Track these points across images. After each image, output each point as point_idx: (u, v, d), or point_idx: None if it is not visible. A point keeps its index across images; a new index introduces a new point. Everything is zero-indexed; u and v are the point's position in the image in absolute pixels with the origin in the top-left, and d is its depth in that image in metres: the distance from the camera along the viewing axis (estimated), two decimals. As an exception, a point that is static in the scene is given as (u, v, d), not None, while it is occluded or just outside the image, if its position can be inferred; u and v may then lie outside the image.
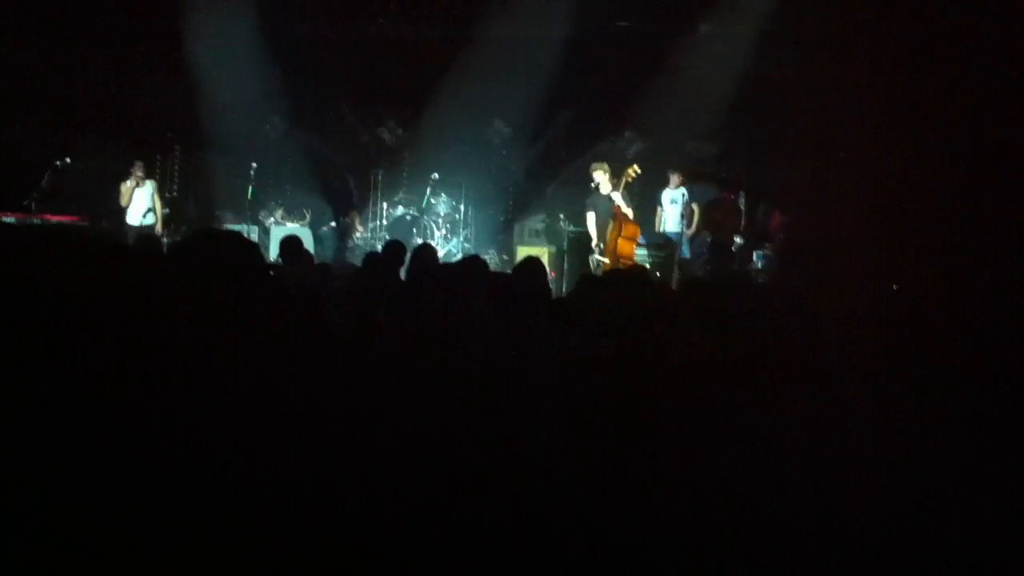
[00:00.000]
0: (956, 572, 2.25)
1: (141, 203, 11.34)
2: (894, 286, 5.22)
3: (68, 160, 10.72)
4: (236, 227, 11.62)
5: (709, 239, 11.20)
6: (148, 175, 11.50)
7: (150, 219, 11.32)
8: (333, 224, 12.20)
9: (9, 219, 9.67)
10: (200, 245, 2.67)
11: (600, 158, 11.39)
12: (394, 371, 2.85)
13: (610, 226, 10.38)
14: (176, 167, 13.27)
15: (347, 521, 2.29)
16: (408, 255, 6.77)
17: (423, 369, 2.85)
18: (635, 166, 10.60)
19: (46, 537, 2.15)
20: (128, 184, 11.23)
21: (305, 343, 2.84)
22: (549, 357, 2.93)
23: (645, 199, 11.07)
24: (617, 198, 10.36)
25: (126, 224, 11.23)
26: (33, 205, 10.61)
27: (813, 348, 2.84)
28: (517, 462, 2.46)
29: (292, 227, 12.10)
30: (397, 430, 2.51)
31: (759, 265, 10.64)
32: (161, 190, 12.98)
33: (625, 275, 4.84)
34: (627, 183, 10.39)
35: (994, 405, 2.48)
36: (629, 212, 10.44)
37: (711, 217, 11.46)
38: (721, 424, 2.45)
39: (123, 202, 11.27)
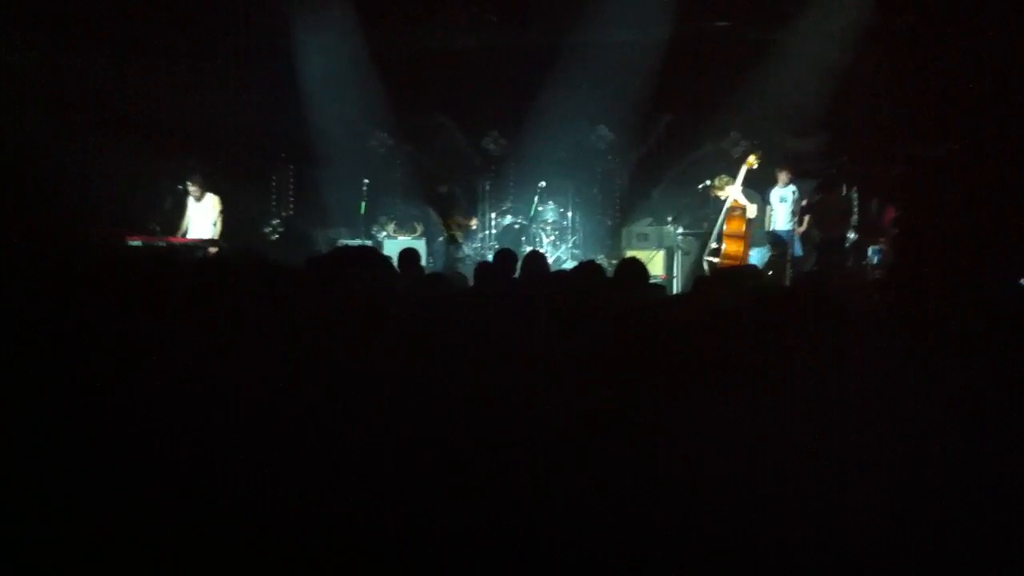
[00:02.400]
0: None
1: (205, 217, 11.03)
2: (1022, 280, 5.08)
3: (202, 185, 10.98)
4: (351, 242, 11.92)
5: (819, 237, 11.06)
6: (207, 188, 11.10)
7: (210, 232, 10.94)
8: (443, 237, 12.39)
9: (136, 242, 10.07)
10: (339, 261, 2.80)
11: (705, 160, 11.36)
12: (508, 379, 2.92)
13: (723, 227, 10.40)
14: (290, 185, 13.68)
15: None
16: (519, 263, 6.87)
17: (536, 376, 2.92)
18: (753, 156, 10.57)
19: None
20: (190, 201, 11.04)
21: (419, 351, 2.93)
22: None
23: (757, 198, 10.96)
24: (734, 192, 10.37)
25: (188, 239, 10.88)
26: (158, 228, 11.06)
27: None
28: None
29: (404, 240, 12.33)
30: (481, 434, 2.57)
31: (874, 261, 10.44)
32: (276, 209, 13.41)
33: (736, 274, 4.84)
34: (747, 174, 10.40)
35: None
36: (751, 207, 10.41)
37: (820, 214, 11.27)
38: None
39: (185, 221, 11.06)
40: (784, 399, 2.49)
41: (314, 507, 2.33)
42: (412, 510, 2.36)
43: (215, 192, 11.05)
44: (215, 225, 10.92)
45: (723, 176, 10.82)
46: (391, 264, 2.86)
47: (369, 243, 12.13)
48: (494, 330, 3.65)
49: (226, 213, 10.99)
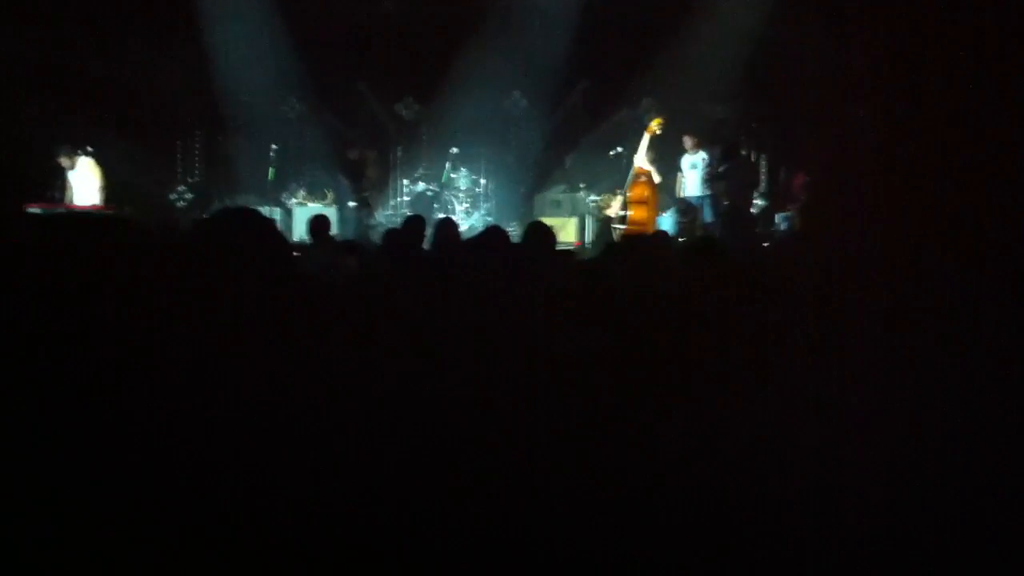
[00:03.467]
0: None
1: (84, 183, 10.66)
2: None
3: (90, 150, 10.69)
4: (261, 209, 11.69)
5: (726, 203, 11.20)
6: (76, 154, 10.65)
7: (99, 197, 10.62)
8: (355, 203, 12.23)
9: (35, 209, 9.72)
10: (222, 225, 2.69)
11: (617, 127, 11.39)
12: (418, 350, 2.87)
13: (628, 193, 10.47)
14: (197, 151, 13.35)
15: (352, 518, 2.31)
16: (431, 231, 6.78)
17: (448, 347, 2.88)
18: (657, 120, 10.60)
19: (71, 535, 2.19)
20: (65, 168, 10.61)
21: (327, 328, 2.86)
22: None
23: (665, 164, 11.04)
24: (638, 159, 10.43)
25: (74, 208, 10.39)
26: (57, 195, 10.69)
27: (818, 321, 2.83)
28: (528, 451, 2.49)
29: (315, 207, 12.14)
30: (421, 418, 2.54)
31: (782, 227, 10.61)
32: (184, 175, 13.07)
33: (645, 241, 4.85)
34: (652, 140, 10.44)
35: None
36: (654, 172, 10.47)
37: (727, 181, 11.41)
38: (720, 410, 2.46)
39: (68, 190, 10.66)
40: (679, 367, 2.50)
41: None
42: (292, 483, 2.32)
43: (92, 157, 10.69)
44: (100, 190, 10.61)
45: (605, 194, 10.88)
46: (274, 226, 2.76)
47: (278, 210, 11.94)
48: (401, 304, 3.60)
49: (110, 177, 10.64)
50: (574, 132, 13.20)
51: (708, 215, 11.08)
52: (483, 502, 2.38)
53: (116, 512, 2.20)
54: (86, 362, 2.38)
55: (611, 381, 2.69)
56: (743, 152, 11.91)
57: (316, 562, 2.26)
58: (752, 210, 11.41)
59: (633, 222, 10.32)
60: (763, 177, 12.00)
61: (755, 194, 11.61)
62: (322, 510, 2.29)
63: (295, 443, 2.37)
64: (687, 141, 11.04)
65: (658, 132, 10.58)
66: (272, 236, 2.70)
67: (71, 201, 10.58)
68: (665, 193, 11.03)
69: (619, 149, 11.10)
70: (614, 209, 10.67)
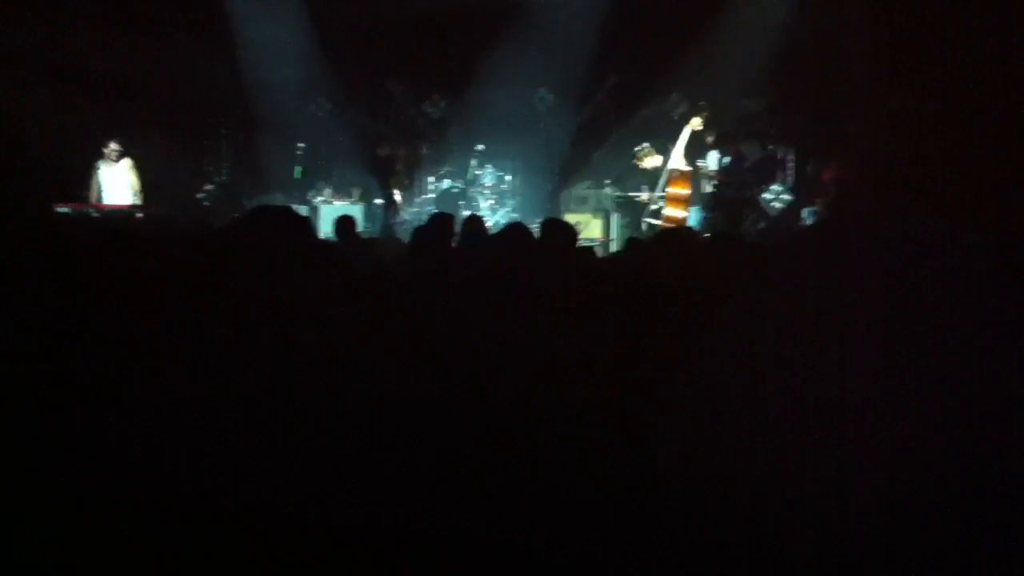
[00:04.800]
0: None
1: (121, 182, 10.76)
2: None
3: (119, 148, 10.78)
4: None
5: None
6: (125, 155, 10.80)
7: (132, 198, 10.69)
8: (381, 200, 12.28)
9: (64, 209, 9.79)
10: (256, 223, 2.72)
11: (645, 122, 11.34)
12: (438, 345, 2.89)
13: (666, 188, 10.42)
14: (224, 150, 13.45)
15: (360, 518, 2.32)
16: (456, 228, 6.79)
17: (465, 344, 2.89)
18: (698, 118, 10.50)
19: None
20: (102, 165, 10.71)
21: (361, 322, 2.88)
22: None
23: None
24: (675, 156, 10.38)
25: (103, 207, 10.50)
26: (84, 194, 10.77)
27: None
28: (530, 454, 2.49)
29: (341, 205, 12.19)
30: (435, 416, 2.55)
31: (808, 223, 10.51)
32: (210, 173, 13.16)
33: (673, 236, 4.85)
34: (692, 137, 10.37)
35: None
36: (688, 169, 10.40)
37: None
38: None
39: (95, 187, 10.70)
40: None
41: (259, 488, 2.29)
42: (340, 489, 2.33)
43: (131, 156, 10.78)
44: (135, 190, 10.67)
45: (645, 146, 10.78)
46: (311, 225, 2.80)
47: (305, 208, 11.99)
48: (428, 304, 3.61)
49: (145, 177, 10.73)
50: (601, 128, 13.16)
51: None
52: (492, 504, 2.39)
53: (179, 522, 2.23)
54: (124, 365, 2.41)
55: (620, 376, 2.69)
56: (767, 147, 11.81)
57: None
58: (776, 204, 11.33)
59: (669, 219, 10.25)
60: (788, 171, 11.89)
61: (779, 187, 11.52)
62: (352, 510, 2.31)
63: (334, 437, 2.39)
64: (716, 139, 10.99)
65: (700, 129, 10.48)
66: (308, 234, 2.73)
67: (99, 200, 10.66)
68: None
69: (645, 145, 11.04)
70: (650, 162, 10.57)
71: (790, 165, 11.83)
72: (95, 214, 10.03)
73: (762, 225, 11.00)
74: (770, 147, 11.99)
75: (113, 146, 10.68)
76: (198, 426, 2.32)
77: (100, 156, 10.72)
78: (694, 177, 10.70)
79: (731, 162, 10.89)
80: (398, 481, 2.39)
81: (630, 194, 11.58)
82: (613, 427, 2.50)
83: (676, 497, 1.97)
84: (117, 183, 10.72)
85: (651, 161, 10.62)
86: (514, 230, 3.84)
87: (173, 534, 2.21)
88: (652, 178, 10.73)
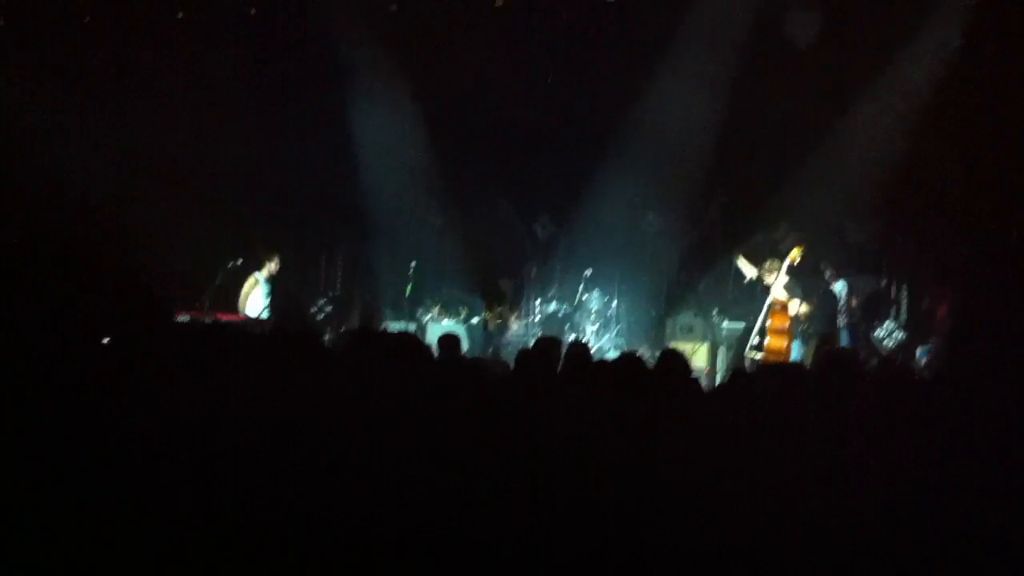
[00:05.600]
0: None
1: (258, 296, 11.08)
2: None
3: (239, 262, 11.15)
4: (396, 324, 11.97)
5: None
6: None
7: (263, 310, 10.99)
8: (486, 321, 12.41)
9: (183, 317, 10.14)
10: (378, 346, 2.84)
11: (753, 251, 11.28)
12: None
13: (767, 321, 10.29)
14: (340, 264, 13.80)
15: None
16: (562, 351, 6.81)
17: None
18: (798, 248, 10.43)
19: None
20: (257, 277, 11.08)
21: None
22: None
23: (808, 292, 10.80)
24: (776, 287, 10.28)
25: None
26: (207, 304, 11.18)
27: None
28: None
29: (448, 323, 12.35)
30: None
31: (922, 362, 10.18)
32: (325, 287, 13.50)
33: (778, 370, 4.80)
34: (790, 269, 10.28)
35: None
36: (793, 302, 10.25)
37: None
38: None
39: (244, 293, 11.01)
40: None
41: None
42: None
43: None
44: (270, 307, 11.03)
45: (773, 259, 10.67)
46: (429, 352, 2.91)
47: (413, 326, 12.17)
48: (530, 421, 3.64)
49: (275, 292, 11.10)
50: (708, 255, 13.11)
51: (845, 341, 10.80)
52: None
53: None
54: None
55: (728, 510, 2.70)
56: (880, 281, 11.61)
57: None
58: (887, 343, 11.04)
59: (770, 351, 10.12)
60: (903, 306, 11.63)
61: (890, 324, 11.25)
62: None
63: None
64: (826, 271, 10.88)
65: (798, 261, 10.39)
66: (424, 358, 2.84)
67: (243, 310, 11.00)
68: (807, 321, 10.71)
69: (752, 276, 10.96)
70: (772, 278, 10.45)
71: (903, 301, 11.58)
72: (208, 322, 10.37)
73: (874, 363, 10.71)
74: (883, 281, 11.79)
75: (276, 263, 11.07)
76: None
77: (259, 268, 11.13)
78: (801, 308, 10.55)
79: (822, 294, 10.78)
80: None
81: (738, 324, 11.45)
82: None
83: None
84: (261, 296, 11.10)
85: (769, 273, 10.50)
86: (627, 360, 3.89)
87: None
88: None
